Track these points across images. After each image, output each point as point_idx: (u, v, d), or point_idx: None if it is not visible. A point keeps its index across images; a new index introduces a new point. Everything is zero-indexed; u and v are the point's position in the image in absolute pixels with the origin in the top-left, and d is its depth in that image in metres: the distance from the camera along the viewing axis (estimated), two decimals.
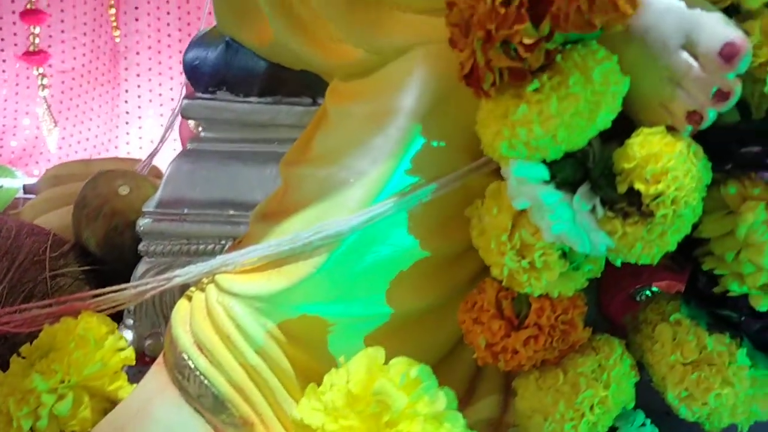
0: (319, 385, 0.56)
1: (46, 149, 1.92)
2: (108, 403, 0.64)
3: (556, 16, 0.47)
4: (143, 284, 0.61)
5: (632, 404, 0.61)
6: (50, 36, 1.86)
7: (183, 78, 0.90)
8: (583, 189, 0.54)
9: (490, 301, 0.59)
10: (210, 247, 0.77)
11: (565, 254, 0.56)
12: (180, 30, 1.81)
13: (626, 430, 0.60)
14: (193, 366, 0.58)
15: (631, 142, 0.52)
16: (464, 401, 0.63)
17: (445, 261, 0.63)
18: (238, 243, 0.65)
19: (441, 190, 0.59)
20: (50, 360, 0.60)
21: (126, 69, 1.85)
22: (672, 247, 0.53)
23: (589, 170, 0.54)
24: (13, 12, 1.80)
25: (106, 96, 1.90)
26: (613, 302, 0.74)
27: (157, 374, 0.60)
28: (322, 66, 0.64)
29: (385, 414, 0.53)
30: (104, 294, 0.62)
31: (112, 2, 1.78)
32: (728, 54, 0.48)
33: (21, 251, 0.78)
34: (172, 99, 1.82)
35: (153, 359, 0.65)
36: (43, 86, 1.84)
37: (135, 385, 0.62)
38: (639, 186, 0.51)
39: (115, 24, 1.79)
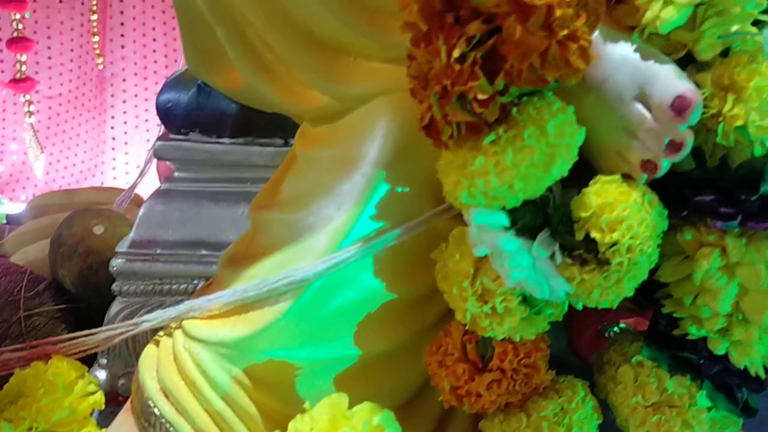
0: (284, 431, 0.56)
1: (32, 175, 1.93)
2: None
3: (509, 72, 0.48)
4: (112, 329, 0.62)
5: None
6: (37, 63, 1.88)
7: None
8: (542, 235, 0.54)
9: (455, 344, 0.59)
10: (182, 286, 0.78)
11: (525, 299, 0.56)
12: (166, 56, 1.82)
13: None
14: (158, 413, 0.59)
15: (587, 191, 0.53)
16: None
17: (412, 303, 0.63)
18: (207, 285, 0.66)
19: (405, 235, 0.60)
20: (19, 407, 0.60)
21: (112, 95, 1.86)
22: (629, 293, 0.53)
23: (549, 216, 0.55)
24: (0, 40, 1.81)
25: (93, 122, 1.92)
26: (582, 339, 0.75)
27: (124, 421, 0.60)
28: (291, 110, 0.65)
29: None
30: (74, 338, 0.63)
31: (96, 30, 1.79)
32: (679, 107, 0.49)
33: None
34: (158, 125, 1.83)
35: (126, 399, 0.66)
36: (30, 113, 1.85)
37: (104, 430, 0.62)
38: (595, 235, 0.52)
39: (98, 51, 1.80)
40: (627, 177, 0.53)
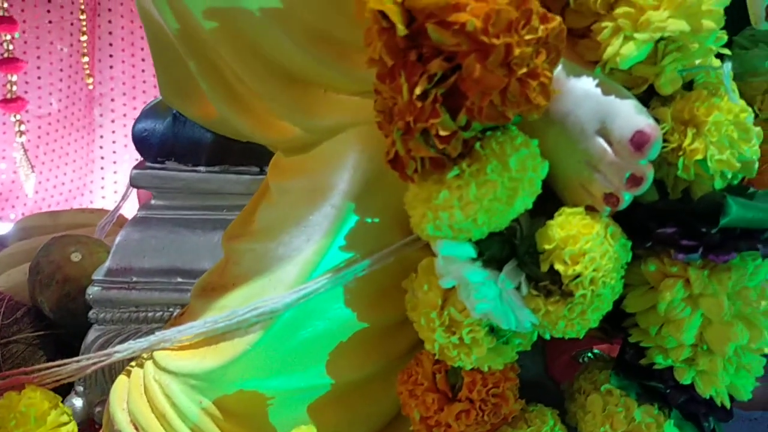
0: None
1: (22, 193, 1.93)
2: None
3: (471, 109, 0.49)
4: (85, 359, 0.62)
5: None
6: (26, 82, 1.88)
7: None
8: (509, 266, 0.55)
9: (425, 373, 0.60)
10: (158, 314, 0.78)
11: (493, 330, 0.57)
12: (154, 76, 1.83)
13: None
14: None
15: (551, 224, 0.53)
16: None
17: (384, 331, 0.64)
18: (180, 315, 0.66)
19: (376, 265, 0.60)
20: None
21: (101, 115, 1.87)
22: (594, 324, 0.54)
23: (516, 246, 0.56)
24: None
25: (82, 141, 1.92)
26: (556, 364, 0.75)
27: None
28: (264, 141, 0.66)
29: None
30: (47, 368, 0.63)
31: (86, 50, 1.80)
32: (638, 142, 0.50)
33: None
34: None
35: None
36: (21, 132, 1.85)
37: None
38: (558, 267, 0.52)
39: (88, 72, 1.81)
40: (591, 209, 0.54)
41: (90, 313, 0.80)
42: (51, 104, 1.90)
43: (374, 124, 0.55)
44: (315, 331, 0.60)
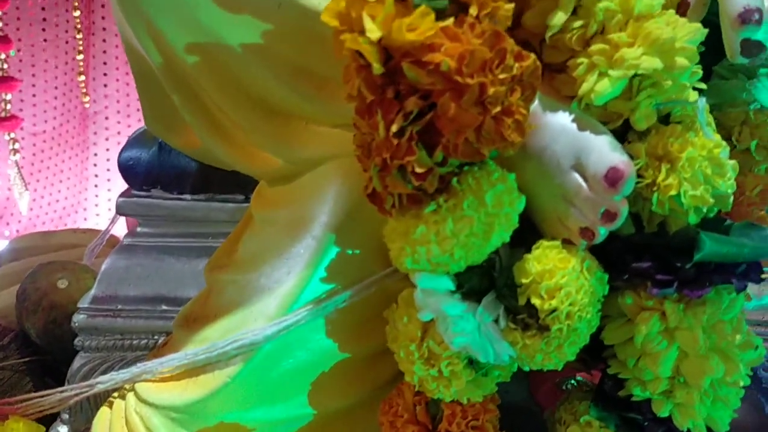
0: None
1: (16, 210, 1.94)
2: None
3: (446, 146, 0.49)
4: (69, 389, 0.62)
5: None
6: (21, 100, 1.89)
7: None
8: (487, 299, 0.55)
9: (406, 405, 0.60)
10: (143, 341, 0.78)
11: (472, 362, 0.57)
12: None
13: None
14: None
15: (528, 257, 0.54)
16: None
17: (366, 360, 0.64)
18: (163, 345, 0.67)
19: (357, 296, 0.60)
20: None
21: (95, 133, 1.88)
22: (571, 357, 0.54)
23: (495, 279, 0.56)
24: None
25: (76, 159, 1.93)
26: (540, 391, 0.75)
27: None
28: (247, 171, 0.66)
29: None
30: (30, 399, 0.63)
31: (82, 69, 1.81)
32: (612, 179, 0.50)
33: None
34: None
35: None
36: (15, 150, 1.86)
37: None
38: (535, 301, 0.53)
39: (84, 90, 1.82)
40: (568, 242, 0.54)
41: (76, 340, 0.80)
42: (46, 122, 1.91)
43: (354, 156, 0.56)
44: (296, 361, 0.61)
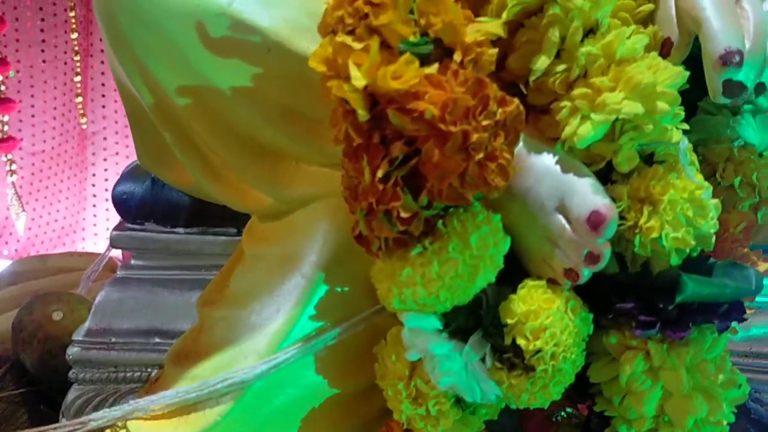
0: None
1: (14, 230, 1.94)
2: None
3: (431, 191, 0.50)
4: (61, 426, 0.63)
5: None
6: (20, 120, 1.90)
7: None
8: (474, 338, 0.56)
9: None
10: (137, 374, 0.79)
11: (459, 401, 0.58)
12: None
13: None
14: None
15: (514, 297, 0.54)
16: None
17: (356, 396, 0.65)
18: (155, 380, 0.67)
19: (346, 333, 0.61)
20: None
21: (93, 154, 1.89)
22: (556, 396, 0.55)
23: (482, 317, 0.57)
24: None
25: (74, 179, 1.94)
26: (531, 423, 0.75)
27: None
28: (238, 208, 0.67)
29: None
30: None
31: (80, 90, 1.83)
32: (594, 222, 0.51)
33: None
34: None
35: None
36: (12, 171, 1.87)
37: None
38: (520, 342, 0.53)
39: (82, 112, 1.83)
40: (553, 281, 0.55)
41: (70, 372, 0.81)
42: (44, 141, 1.92)
43: (343, 196, 0.57)
44: (287, 398, 0.61)
